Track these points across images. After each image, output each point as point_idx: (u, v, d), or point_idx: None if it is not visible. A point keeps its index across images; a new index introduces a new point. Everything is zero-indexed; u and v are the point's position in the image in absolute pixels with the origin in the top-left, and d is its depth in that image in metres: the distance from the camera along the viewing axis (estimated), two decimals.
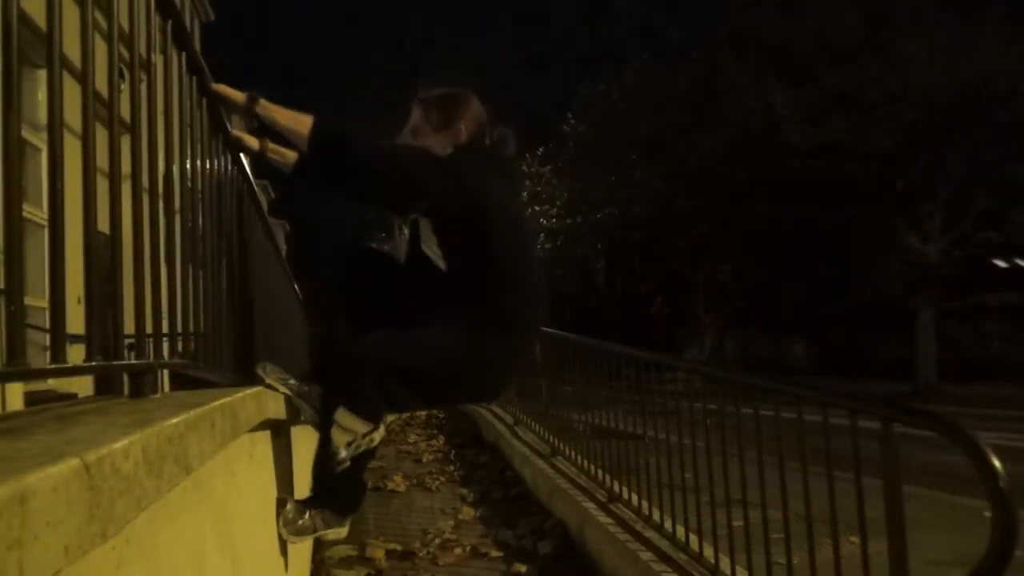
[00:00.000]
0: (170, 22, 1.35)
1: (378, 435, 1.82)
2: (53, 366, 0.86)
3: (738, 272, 22.52)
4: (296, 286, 5.32)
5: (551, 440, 4.94)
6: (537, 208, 23.50)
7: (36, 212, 4.54)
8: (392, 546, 3.69)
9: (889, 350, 18.00)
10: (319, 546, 3.75)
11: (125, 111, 1.09)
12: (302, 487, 2.17)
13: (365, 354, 1.77)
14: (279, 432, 2.07)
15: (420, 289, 1.98)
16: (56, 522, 0.52)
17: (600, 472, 3.92)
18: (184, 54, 1.46)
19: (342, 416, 1.75)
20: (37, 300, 4.45)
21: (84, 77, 0.95)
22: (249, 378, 1.92)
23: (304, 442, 2.60)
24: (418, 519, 4.31)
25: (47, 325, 0.99)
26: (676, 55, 19.51)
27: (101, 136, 0.98)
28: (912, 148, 13.91)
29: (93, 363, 0.97)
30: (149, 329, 1.17)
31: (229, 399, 1.17)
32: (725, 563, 2.64)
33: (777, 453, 2.23)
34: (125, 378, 1.17)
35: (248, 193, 2.31)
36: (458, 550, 3.66)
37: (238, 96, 1.74)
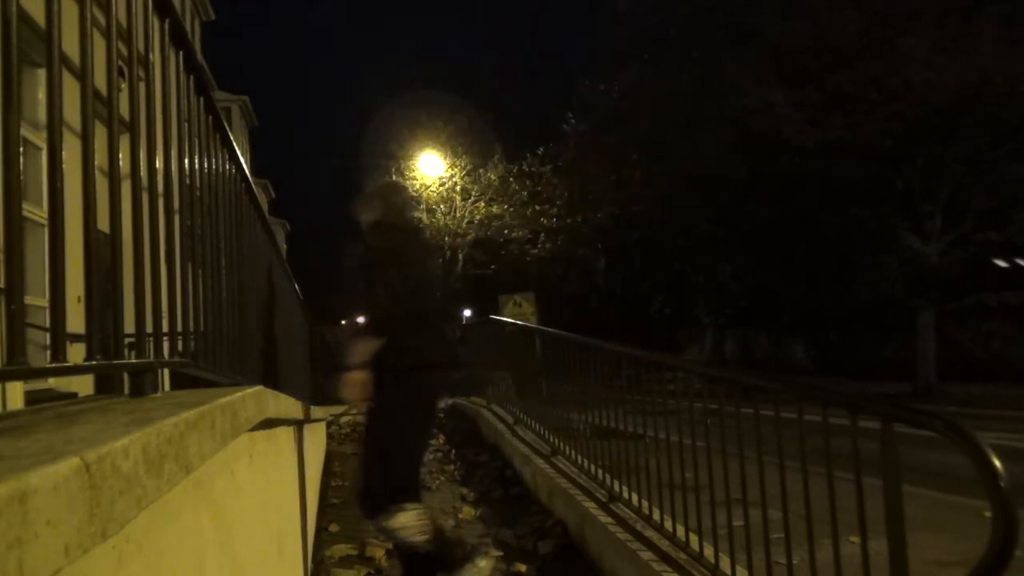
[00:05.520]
0: (167, 20, 1.35)
1: None
2: (53, 365, 0.86)
3: (738, 272, 22.50)
4: (296, 286, 5.31)
5: (551, 439, 4.93)
6: (537, 208, 23.49)
7: (36, 211, 4.54)
8: (392, 546, 3.69)
9: (889, 350, 17.99)
10: (319, 545, 3.76)
11: (124, 110, 1.09)
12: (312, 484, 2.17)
13: None
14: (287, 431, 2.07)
15: None
16: (56, 521, 0.52)
17: (600, 472, 3.91)
18: (182, 53, 1.45)
19: None
20: (37, 299, 4.44)
21: (83, 75, 0.95)
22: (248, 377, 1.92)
23: (312, 440, 2.60)
24: None
25: (47, 324, 0.99)
26: (676, 55, 19.50)
27: (100, 135, 0.98)
28: (912, 148, 13.90)
29: (93, 362, 0.97)
30: (149, 328, 1.16)
31: (229, 399, 1.17)
32: (725, 563, 2.64)
33: (777, 453, 2.23)
34: (125, 377, 1.17)
35: (247, 192, 2.32)
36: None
37: None
